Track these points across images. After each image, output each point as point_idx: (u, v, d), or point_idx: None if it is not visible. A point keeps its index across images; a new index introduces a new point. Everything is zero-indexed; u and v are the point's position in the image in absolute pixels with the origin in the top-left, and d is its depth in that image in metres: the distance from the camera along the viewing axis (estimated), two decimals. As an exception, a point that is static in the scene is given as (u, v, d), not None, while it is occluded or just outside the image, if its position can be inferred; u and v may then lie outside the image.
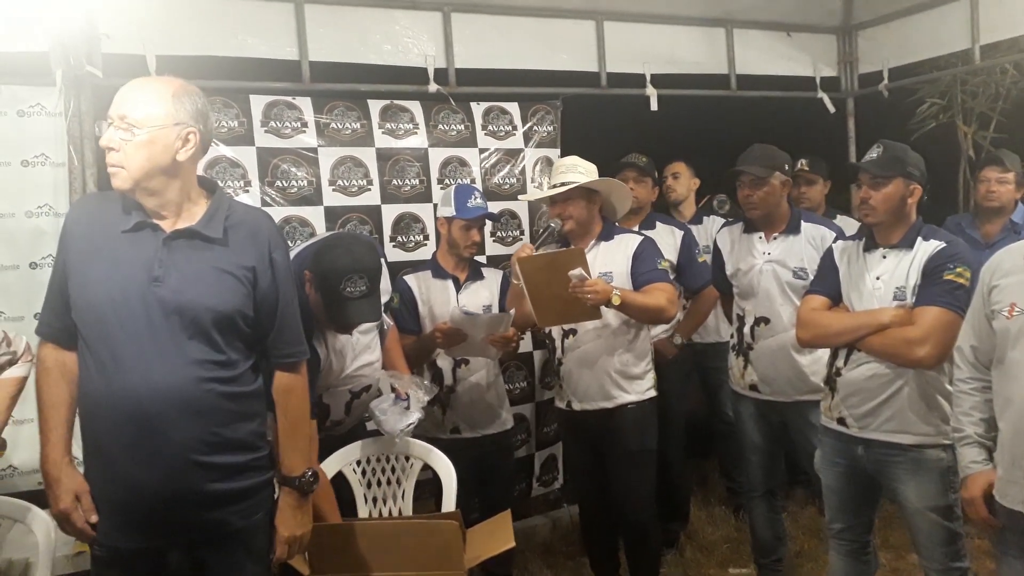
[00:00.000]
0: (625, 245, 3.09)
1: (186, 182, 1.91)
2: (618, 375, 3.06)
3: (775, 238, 3.16)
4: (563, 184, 3.05)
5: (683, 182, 4.14)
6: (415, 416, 2.70)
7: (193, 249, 1.88)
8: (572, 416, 3.17)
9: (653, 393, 3.15)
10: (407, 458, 2.84)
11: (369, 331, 2.77)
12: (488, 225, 3.75)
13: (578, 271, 2.75)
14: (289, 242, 3.14)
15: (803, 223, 3.15)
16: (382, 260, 2.81)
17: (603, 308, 2.89)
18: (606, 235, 3.13)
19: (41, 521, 2.27)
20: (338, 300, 2.42)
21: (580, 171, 3.08)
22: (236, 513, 1.94)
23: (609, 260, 3.06)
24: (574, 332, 3.08)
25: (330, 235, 2.86)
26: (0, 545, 2.31)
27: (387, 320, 2.92)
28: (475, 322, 3.01)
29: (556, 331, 3.13)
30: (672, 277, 3.59)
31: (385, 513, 2.79)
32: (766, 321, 3.12)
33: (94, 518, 1.88)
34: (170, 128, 1.83)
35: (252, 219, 2.00)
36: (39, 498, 2.41)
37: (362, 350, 2.75)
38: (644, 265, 3.04)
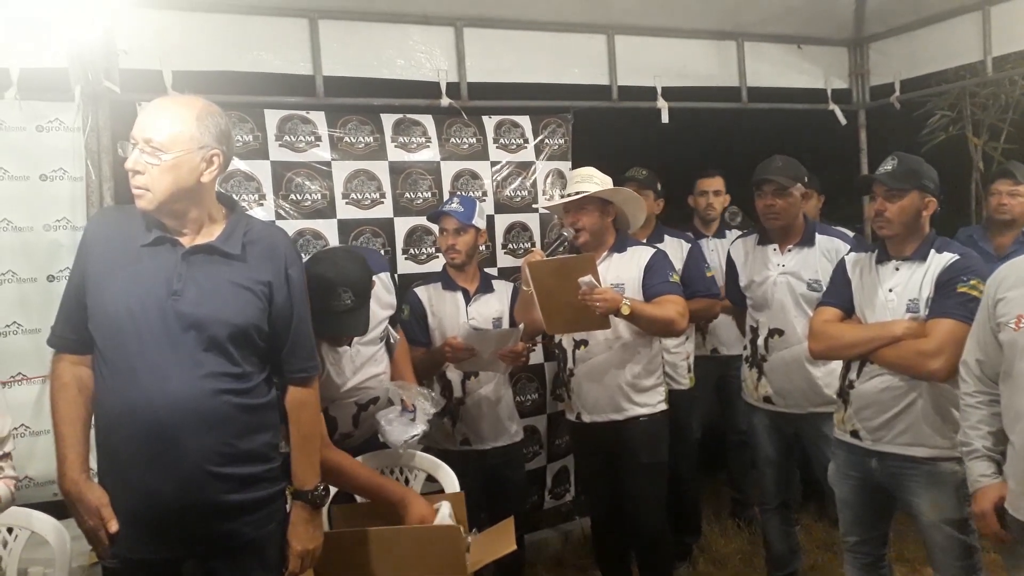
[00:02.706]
0: (638, 257, 3.08)
1: (207, 201, 1.94)
2: (629, 388, 3.05)
3: (789, 250, 3.16)
4: (577, 193, 3.04)
5: (722, 199, 4.12)
6: (420, 428, 2.70)
7: (211, 264, 1.91)
8: (582, 428, 3.16)
9: (664, 406, 3.13)
10: (411, 470, 2.84)
11: (372, 343, 2.77)
12: (499, 236, 3.77)
13: (588, 278, 2.73)
14: (304, 255, 3.16)
15: (817, 235, 3.15)
16: (386, 275, 2.82)
17: (613, 318, 2.88)
18: (619, 247, 3.11)
19: (56, 532, 2.29)
20: (324, 314, 2.42)
21: (595, 181, 3.07)
22: (249, 524, 1.95)
23: (621, 272, 3.05)
24: (585, 343, 3.06)
25: (321, 250, 2.86)
26: (16, 556, 2.32)
27: (393, 333, 2.93)
28: (484, 337, 3.03)
29: (567, 342, 3.13)
30: None
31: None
32: (780, 333, 3.12)
33: (114, 527, 1.88)
34: (195, 152, 1.85)
35: (269, 236, 2.03)
36: (55, 509, 2.43)
37: (365, 362, 2.75)
38: (655, 277, 3.02)
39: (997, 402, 2.18)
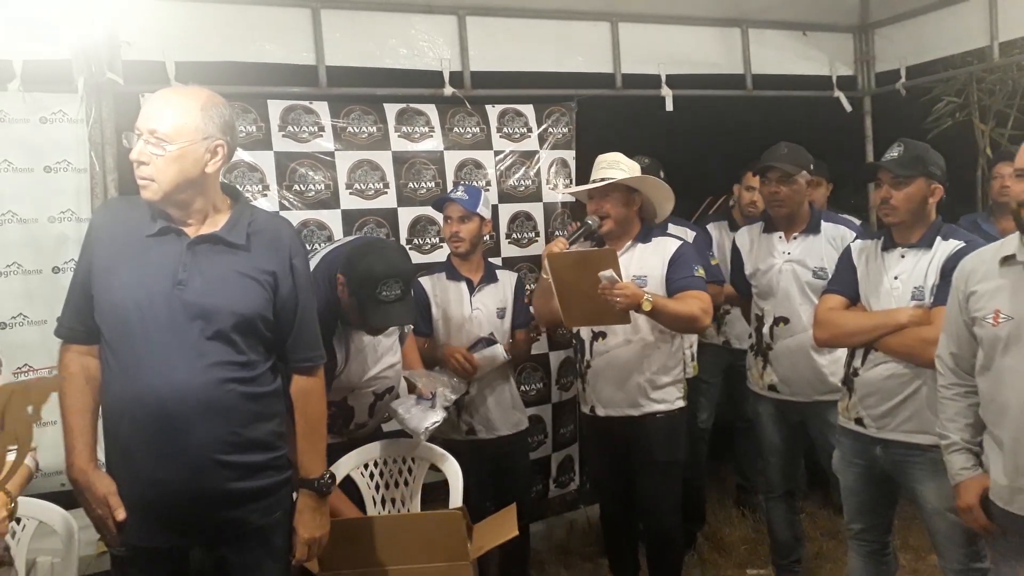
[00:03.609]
0: (663, 249, 2.98)
1: (212, 191, 1.95)
2: (647, 383, 2.97)
3: (795, 238, 3.15)
4: (603, 179, 2.95)
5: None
6: (439, 414, 2.72)
7: (216, 254, 1.92)
8: (596, 421, 3.08)
9: (682, 403, 3.05)
10: (414, 460, 2.85)
11: (391, 333, 2.78)
12: (503, 226, 3.77)
13: (609, 272, 2.64)
14: (308, 245, 3.17)
15: (823, 223, 3.14)
16: None
17: (633, 313, 2.80)
18: (644, 237, 3.01)
19: (64, 522, 2.30)
20: (373, 303, 2.45)
21: (622, 168, 2.97)
22: (256, 511, 1.97)
23: (645, 263, 2.96)
24: (604, 336, 2.98)
25: (362, 240, 2.86)
26: (24, 546, 2.34)
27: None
28: (483, 360, 3.06)
29: (585, 333, 3.05)
30: None
31: (394, 516, 2.81)
32: (785, 321, 3.12)
33: (121, 515, 1.90)
34: (199, 143, 1.87)
35: (274, 226, 2.04)
36: (62, 499, 2.44)
37: (385, 352, 2.76)
38: (680, 271, 2.92)
39: (973, 393, 2.17)
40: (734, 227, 4.05)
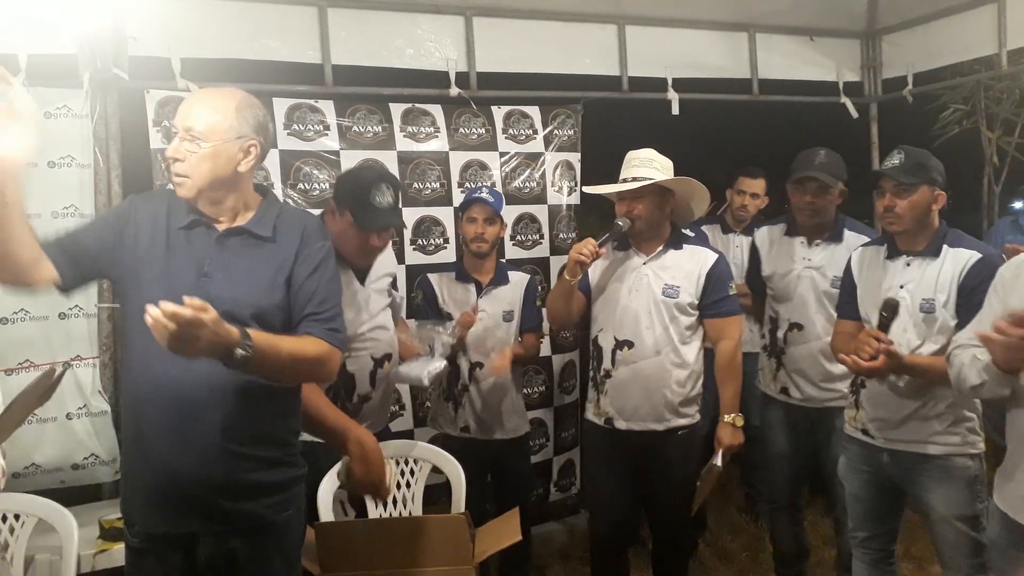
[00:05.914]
0: (698, 259, 2.86)
1: (244, 190, 1.98)
2: (674, 396, 2.84)
3: (817, 244, 3.10)
4: (635, 179, 2.79)
5: (759, 202, 4.02)
6: (440, 362, 2.73)
7: (243, 247, 1.95)
8: (610, 434, 2.91)
9: (699, 416, 2.95)
10: (416, 461, 2.84)
11: (382, 292, 2.73)
12: (508, 228, 3.76)
13: (714, 468, 2.85)
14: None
15: (846, 231, 3.09)
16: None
17: (663, 324, 2.82)
18: (675, 243, 2.88)
19: (64, 519, 2.29)
20: (369, 209, 2.49)
21: (656, 166, 2.81)
22: (268, 506, 1.98)
23: (678, 272, 2.84)
24: (630, 344, 2.84)
25: None
26: (23, 543, 2.33)
27: (397, 295, 2.92)
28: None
29: (606, 340, 2.91)
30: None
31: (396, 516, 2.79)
32: (799, 327, 3.09)
33: None
34: (233, 141, 1.90)
35: (301, 219, 2.06)
36: (62, 496, 2.43)
37: (377, 311, 2.69)
38: (716, 292, 2.83)
39: None
40: (727, 230, 4.04)
